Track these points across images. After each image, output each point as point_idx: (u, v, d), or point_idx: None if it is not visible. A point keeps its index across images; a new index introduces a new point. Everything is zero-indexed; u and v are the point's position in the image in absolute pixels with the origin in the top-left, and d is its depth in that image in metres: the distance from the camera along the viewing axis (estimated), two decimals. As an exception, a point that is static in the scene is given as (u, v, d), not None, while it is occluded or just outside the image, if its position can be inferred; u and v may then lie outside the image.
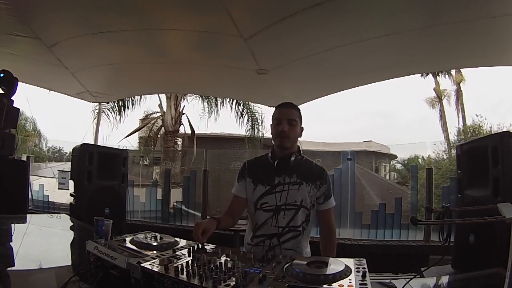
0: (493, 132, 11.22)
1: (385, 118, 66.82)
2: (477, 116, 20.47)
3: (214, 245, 2.00)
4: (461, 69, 21.52)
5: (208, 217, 3.67)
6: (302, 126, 2.66)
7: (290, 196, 2.50)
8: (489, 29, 4.47)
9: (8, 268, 2.21)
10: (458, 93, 24.78)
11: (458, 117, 24.63)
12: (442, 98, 25.36)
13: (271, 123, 2.64)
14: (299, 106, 2.69)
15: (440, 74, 23.47)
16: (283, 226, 2.49)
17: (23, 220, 4.27)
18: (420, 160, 18.46)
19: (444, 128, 24.83)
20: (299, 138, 2.69)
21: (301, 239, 2.53)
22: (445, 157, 17.47)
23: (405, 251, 6.18)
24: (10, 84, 5.00)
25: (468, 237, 3.55)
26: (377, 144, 22.68)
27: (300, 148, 2.68)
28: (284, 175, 2.54)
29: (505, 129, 13.66)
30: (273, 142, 2.62)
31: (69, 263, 2.47)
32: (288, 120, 2.52)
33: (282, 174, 2.54)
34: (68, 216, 4.77)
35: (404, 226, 6.67)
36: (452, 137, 22.22)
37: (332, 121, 77.28)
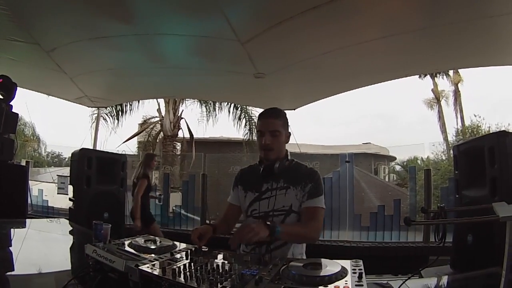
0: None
1: (385, 120, 66.92)
2: (475, 116, 20.53)
3: (212, 248, 2.01)
4: (458, 70, 21.55)
5: (207, 221, 3.67)
6: (288, 132, 2.60)
7: (277, 202, 2.44)
8: (487, 29, 4.50)
9: (8, 273, 2.21)
10: (456, 94, 24.83)
11: (457, 117, 24.72)
12: (440, 99, 25.42)
13: (256, 136, 2.62)
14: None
15: (438, 75, 23.53)
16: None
17: (23, 225, 4.27)
18: (419, 162, 18.42)
19: (443, 129, 24.88)
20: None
21: (291, 247, 2.43)
22: (444, 158, 17.48)
23: (404, 252, 6.19)
24: (9, 89, 5.00)
25: (466, 237, 3.56)
26: (376, 146, 22.66)
27: (288, 152, 2.62)
28: (272, 181, 2.50)
29: (503, 129, 13.65)
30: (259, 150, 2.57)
31: (69, 267, 2.46)
32: (270, 132, 2.46)
33: (269, 180, 2.51)
34: (68, 221, 4.78)
35: (403, 228, 6.68)
36: (451, 137, 22.25)
37: (331, 124, 77.48)
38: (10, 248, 3.05)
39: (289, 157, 2.59)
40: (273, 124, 2.48)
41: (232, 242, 1.85)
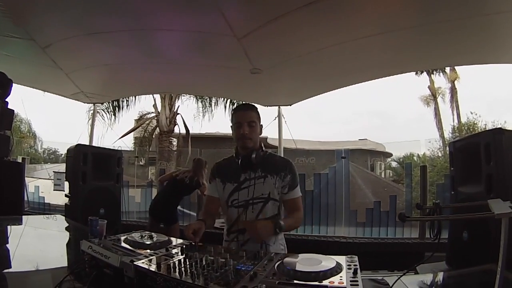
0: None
1: (382, 118, 66.66)
2: (471, 113, 20.50)
3: (206, 243, 2.02)
4: (455, 67, 21.58)
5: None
6: (261, 124, 2.79)
7: (256, 190, 2.62)
8: (483, 27, 4.51)
9: (5, 270, 2.21)
10: (453, 91, 24.82)
11: (453, 115, 24.68)
12: (437, 96, 25.40)
13: (232, 126, 2.76)
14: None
15: (434, 72, 23.52)
16: (252, 220, 2.58)
17: (19, 222, 4.27)
18: (415, 158, 18.43)
19: (439, 126, 24.89)
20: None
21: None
22: (440, 154, 17.50)
23: (400, 248, 6.20)
24: (5, 86, 4.99)
25: (461, 234, 3.57)
26: (372, 142, 22.63)
27: (262, 144, 2.78)
28: (250, 171, 2.67)
29: (499, 127, 13.66)
30: (235, 142, 2.74)
31: (65, 263, 2.47)
32: (248, 122, 2.65)
33: (247, 170, 2.67)
34: (64, 217, 4.77)
35: (399, 224, 6.70)
36: (447, 134, 22.26)
37: (328, 122, 77.18)
38: (7, 245, 3.05)
39: (263, 148, 2.77)
40: (250, 116, 2.69)
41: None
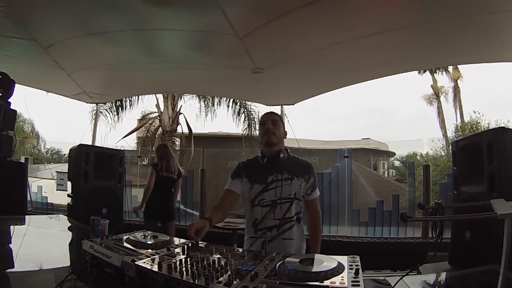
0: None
1: (384, 116, 66.79)
2: (474, 112, 20.47)
3: (209, 243, 2.02)
4: (458, 66, 21.55)
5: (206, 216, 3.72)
6: (285, 130, 3.04)
7: (284, 191, 2.79)
8: (485, 25, 4.49)
9: (8, 270, 2.22)
10: (456, 90, 24.81)
11: (456, 113, 24.71)
12: (440, 95, 25.39)
13: (259, 130, 3.05)
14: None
15: (437, 71, 23.53)
16: (279, 218, 2.77)
17: (22, 222, 4.27)
18: (418, 157, 18.38)
19: (442, 125, 24.87)
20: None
21: (296, 229, 2.83)
22: (443, 153, 17.47)
23: (403, 248, 6.21)
24: (7, 86, 5.01)
25: (464, 234, 3.56)
26: (375, 142, 22.66)
27: (287, 147, 2.99)
28: (276, 173, 2.83)
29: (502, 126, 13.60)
30: (261, 143, 2.96)
31: (67, 263, 2.47)
32: (271, 120, 2.91)
33: (274, 172, 2.84)
34: (66, 217, 4.78)
35: (402, 223, 6.69)
36: (450, 133, 22.22)
37: (330, 120, 77.39)
38: (10, 245, 3.06)
39: (288, 151, 2.96)
40: (273, 116, 2.99)
41: None
